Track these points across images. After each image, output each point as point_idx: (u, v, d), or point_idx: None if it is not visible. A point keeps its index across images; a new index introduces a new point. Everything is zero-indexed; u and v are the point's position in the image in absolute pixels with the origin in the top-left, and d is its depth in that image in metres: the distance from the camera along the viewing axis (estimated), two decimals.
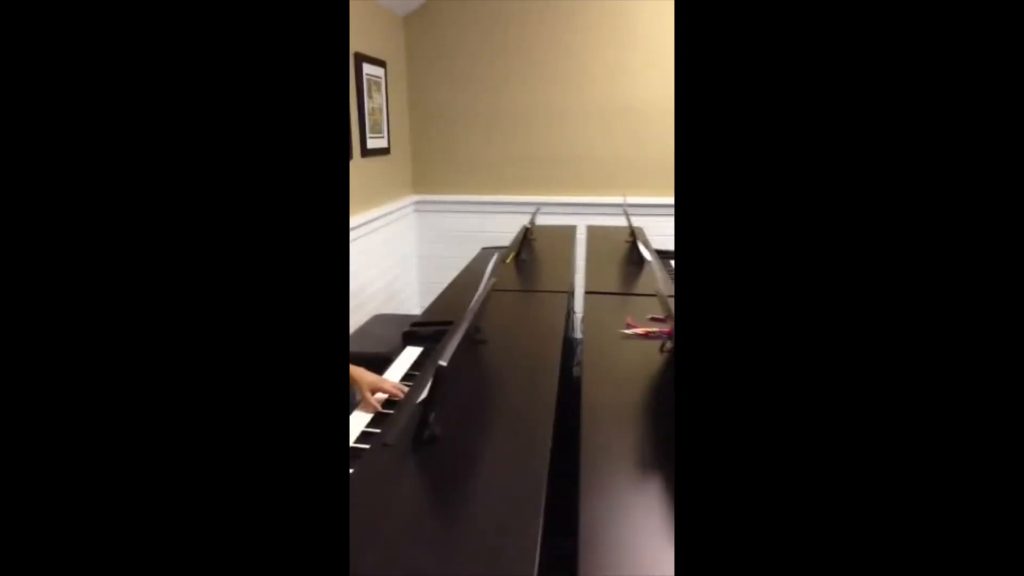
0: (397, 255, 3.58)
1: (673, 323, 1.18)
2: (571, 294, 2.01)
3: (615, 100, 3.47)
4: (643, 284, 1.95)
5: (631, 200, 3.44)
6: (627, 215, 2.58)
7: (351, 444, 1.06)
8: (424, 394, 0.98)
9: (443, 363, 0.94)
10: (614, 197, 3.52)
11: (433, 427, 0.97)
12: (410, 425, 1.00)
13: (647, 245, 2.41)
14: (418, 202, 3.79)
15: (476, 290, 1.49)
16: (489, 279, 1.36)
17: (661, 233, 3.35)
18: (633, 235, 2.35)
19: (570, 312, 1.93)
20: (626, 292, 1.89)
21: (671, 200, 3.52)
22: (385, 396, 1.22)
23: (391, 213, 3.40)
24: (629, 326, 1.50)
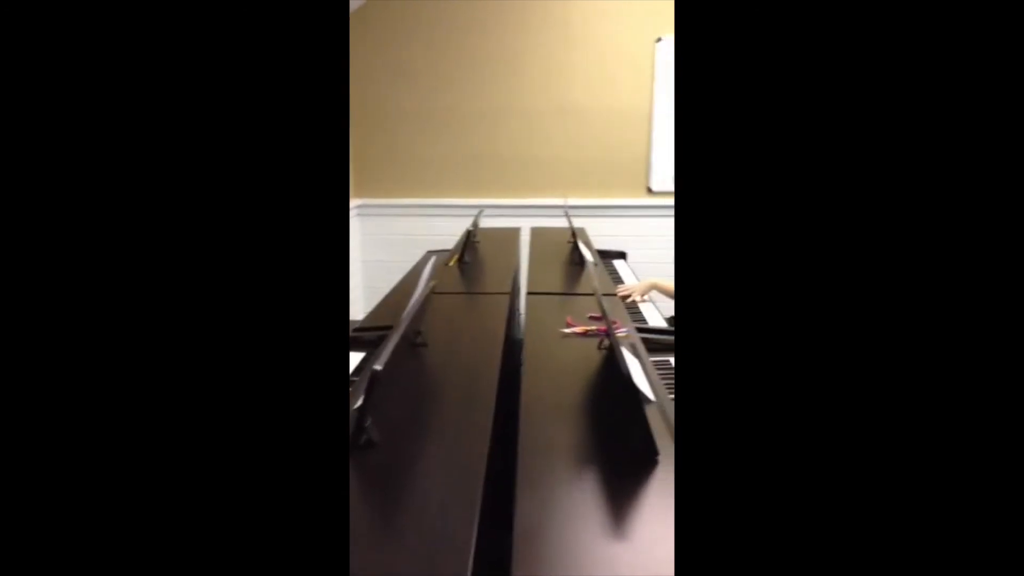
0: None
1: (607, 322, 1.21)
2: (515, 295, 2.02)
3: (554, 101, 3.50)
4: (584, 284, 1.98)
5: (573, 201, 3.49)
6: (568, 216, 2.61)
7: None
8: (360, 400, 0.97)
9: (378, 368, 0.93)
10: (556, 199, 3.56)
11: (369, 432, 0.96)
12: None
13: (588, 245, 2.44)
14: (361, 206, 3.74)
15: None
16: (428, 282, 1.36)
17: (602, 233, 3.40)
18: (574, 236, 2.38)
19: (515, 313, 1.94)
20: (567, 292, 1.91)
21: (611, 201, 3.58)
22: None
23: None
24: (569, 325, 1.52)
